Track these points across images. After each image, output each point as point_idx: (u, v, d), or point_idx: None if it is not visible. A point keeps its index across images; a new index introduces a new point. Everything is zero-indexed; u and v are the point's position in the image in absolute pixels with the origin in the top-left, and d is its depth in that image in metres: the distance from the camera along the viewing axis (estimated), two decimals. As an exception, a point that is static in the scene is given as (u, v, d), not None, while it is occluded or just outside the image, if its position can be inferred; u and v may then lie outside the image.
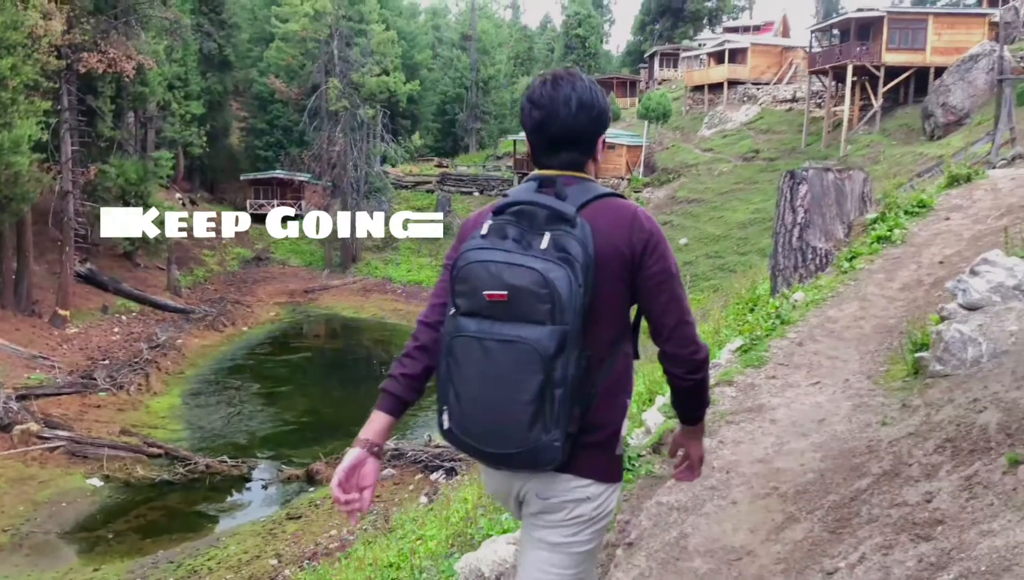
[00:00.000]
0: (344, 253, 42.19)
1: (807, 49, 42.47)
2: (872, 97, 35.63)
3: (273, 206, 45.86)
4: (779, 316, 6.78)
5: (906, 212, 8.84)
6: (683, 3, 64.99)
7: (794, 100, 43.77)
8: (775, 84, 46.53)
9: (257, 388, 24.74)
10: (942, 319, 4.71)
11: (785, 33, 59.93)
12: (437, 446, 21.17)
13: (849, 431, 4.52)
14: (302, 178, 45.30)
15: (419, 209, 45.55)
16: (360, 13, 47.67)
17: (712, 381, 5.96)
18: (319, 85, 41.59)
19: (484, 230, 2.00)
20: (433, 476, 16.25)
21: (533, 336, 1.86)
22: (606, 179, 44.46)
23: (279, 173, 46.40)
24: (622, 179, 44.32)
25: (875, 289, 7.23)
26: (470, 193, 47.87)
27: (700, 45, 56.23)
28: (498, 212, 2.02)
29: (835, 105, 38.24)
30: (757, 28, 59.53)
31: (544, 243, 1.91)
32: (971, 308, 4.56)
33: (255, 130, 50.93)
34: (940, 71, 33.09)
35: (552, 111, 2.03)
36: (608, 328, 2.00)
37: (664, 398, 6.04)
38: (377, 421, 2.13)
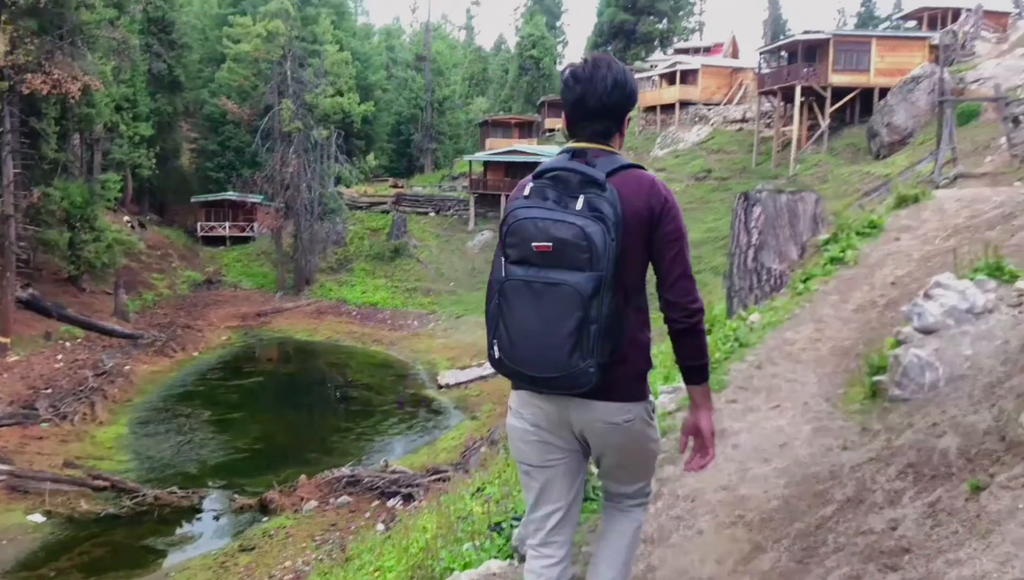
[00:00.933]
0: (297, 275, 41.66)
1: (756, 70, 43.32)
2: (819, 117, 36.43)
3: (225, 228, 45.25)
4: (737, 339, 6.79)
5: (858, 233, 8.97)
6: (635, 25, 65.93)
7: (744, 120, 44.58)
8: (726, 105, 47.35)
9: (208, 415, 24.18)
10: (898, 343, 4.74)
11: (734, 54, 61.11)
12: (394, 471, 20.87)
13: (811, 456, 4.51)
14: (254, 200, 44.71)
15: (374, 230, 45.31)
16: (313, 34, 47.51)
17: (674, 406, 5.93)
18: (272, 106, 41.18)
19: (526, 192, 2.36)
20: (390, 503, 16.01)
21: (574, 280, 2.23)
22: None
23: (231, 195, 45.76)
24: (577, 199, 44.56)
25: (830, 310, 7.29)
26: (426, 213, 47.73)
27: (652, 67, 57.01)
28: (538, 176, 2.38)
29: (784, 125, 39.02)
30: (707, 50, 60.63)
31: (579, 204, 2.27)
32: (926, 332, 4.59)
33: (206, 151, 50.24)
34: (884, 92, 34.00)
35: (591, 86, 2.40)
36: (632, 276, 2.38)
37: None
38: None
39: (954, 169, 19.92)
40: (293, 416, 25.96)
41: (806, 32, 37.78)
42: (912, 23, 48.30)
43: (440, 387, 30.16)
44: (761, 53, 43.85)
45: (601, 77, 2.40)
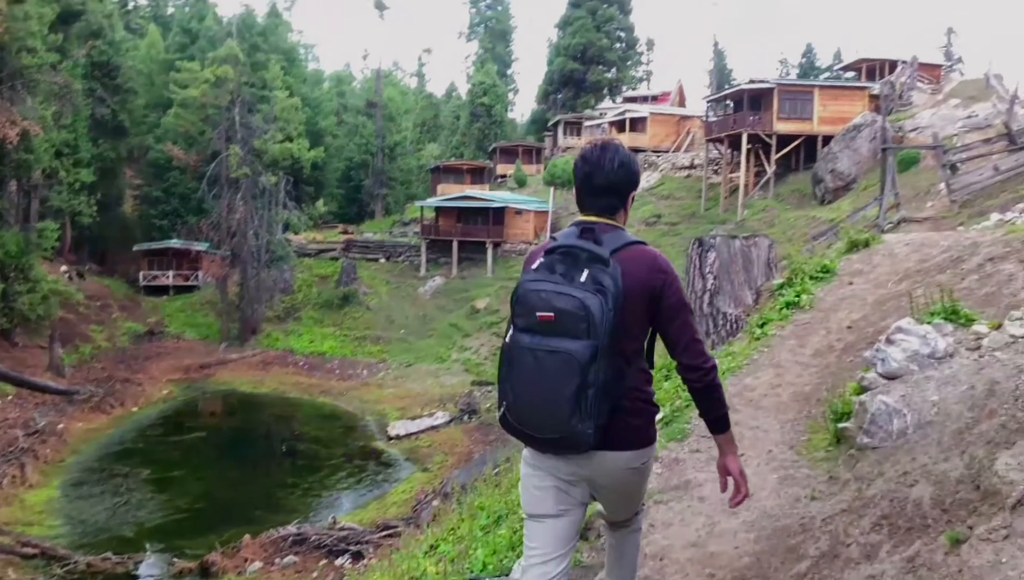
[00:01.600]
0: (243, 325, 40.72)
1: (703, 118, 44.27)
2: (765, 164, 37.26)
3: (168, 277, 44.19)
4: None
5: (811, 277, 8.97)
6: (585, 74, 67.15)
7: (692, 167, 45.40)
8: (674, 152, 48.24)
9: (147, 474, 23.25)
10: (862, 389, 4.64)
11: (681, 102, 62.55)
12: (342, 528, 20.22)
13: (779, 507, 4.34)
14: (199, 248, 43.84)
15: (323, 277, 44.68)
16: (263, 80, 47.28)
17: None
18: (219, 152, 40.66)
19: (535, 266, 2.60)
20: (338, 561, 15.45)
21: (572, 348, 2.43)
22: (514, 244, 44.86)
23: (175, 243, 44.84)
24: (530, 244, 44.71)
25: (788, 355, 7.21)
26: (376, 260, 47.33)
27: (602, 114, 57.99)
28: (549, 252, 2.61)
29: (731, 172, 39.82)
30: (655, 98, 61.94)
31: (583, 277, 2.49)
32: (891, 377, 4.50)
33: (150, 198, 49.30)
34: (827, 139, 34.97)
35: (599, 166, 2.67)
36: (633, 342, 2.63)
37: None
38: None
39: (898, 214, 20.41)
40: (237, 472, 25.12)
41: (751, 81, 38.81)
42: (851, 73, 50.01)
43: (390, 438, 29.57)
44: (708, 101, 44.89)
45: (608, 159, 2.68)
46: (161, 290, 44.24)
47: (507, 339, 2.60)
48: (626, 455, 2.66)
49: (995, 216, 13.65)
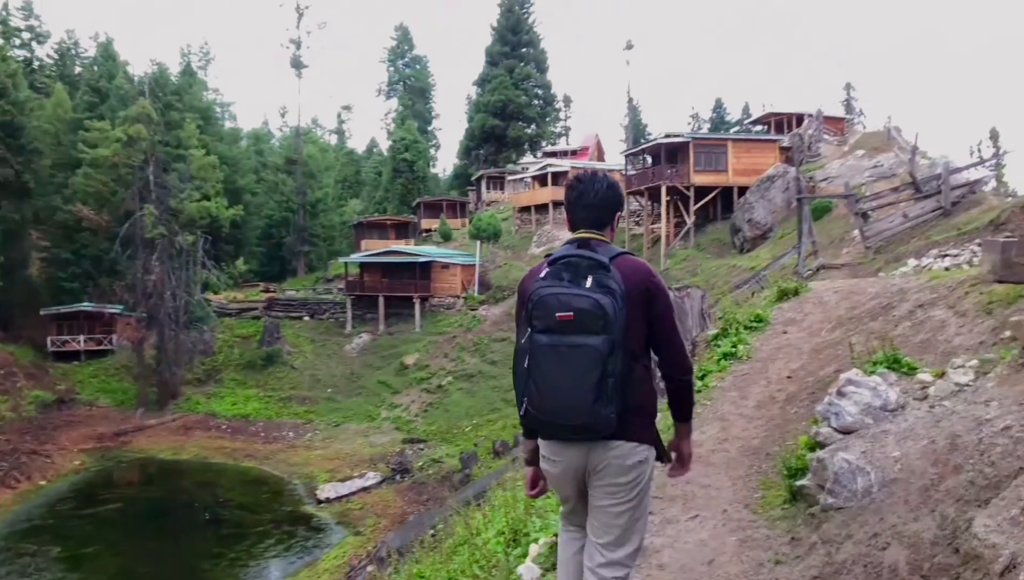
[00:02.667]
0: (161, 389, 39.07)
1: (623, 172, 45.23)
2: (685, 215, 38.16)
3: (79, 342, 42.18)
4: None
5: (746, 327, 9.03)
6: (505, 129, 68.10)
7: (614, 219, 46.15)
8: (596, 204, 48.94)
9: (57, 551, 21.85)
10: (816, 444, 4.56)
11: (600, 156, 63.93)
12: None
13: (743, 573, 4.18)
14: (113, 310, 42.04)
15: (245, 337, 43.40)
16: (178, 138, 46.30)
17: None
18: (133, 212, 39.40)
19: (543, 275, 2.85)
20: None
21: (593, 342, 2.68)
22: (442, 298, 44.57)
23: (86, 306, 42.88)
24: (458, 298, 44.51)
25: (731, 407, 7.16)
26: (300, 318, 46.29)
27: (524, 169, 58.73)
28: (552, 263, 2.87)
29: (652, 223, 40.64)
30: (574, 152, 63.16)
31: (589, 282, 2.76)
32: (846, 431, 4.44)
33: (59, 260, 47.15)
34: (742, 190, 36.07)
35: (590, 186, 3.01)
36: (636, 340, 2.85)
37: (537, 546, 5.52)
38: (528, 445, 3.11)
39: (816, 261, 21.01)
40: (157, 544, 23.82)
41: (667, 136, 39.90)
42: (760, 127, 52.05)
43: (320, 502, 28.67)
44: (626, 156, 45.93)
45: (598, 180, 3.04)
46: (72, 355, 42.09)
47: (524, 342, 2.83)
48: (631, 446, 2.87)
49: (912, 261, 14.15)
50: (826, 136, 41.53)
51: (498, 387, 36.05)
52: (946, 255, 13.68)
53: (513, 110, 67.91)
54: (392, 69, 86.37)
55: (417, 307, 43.67)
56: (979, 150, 54.97)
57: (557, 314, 2.73)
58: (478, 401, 35.97)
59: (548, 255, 2.94)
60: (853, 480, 3.81)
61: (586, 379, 2.69)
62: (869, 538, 3.56)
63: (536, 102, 71.72)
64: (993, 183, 29.18)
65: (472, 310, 43.14)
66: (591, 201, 3.01)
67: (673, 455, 3.19)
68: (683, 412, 3.11)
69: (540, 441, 3.02)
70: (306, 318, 46.36)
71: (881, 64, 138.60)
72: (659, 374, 3.09)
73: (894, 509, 3.62)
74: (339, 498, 28.98)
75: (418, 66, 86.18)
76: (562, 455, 2.92)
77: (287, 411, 38.26)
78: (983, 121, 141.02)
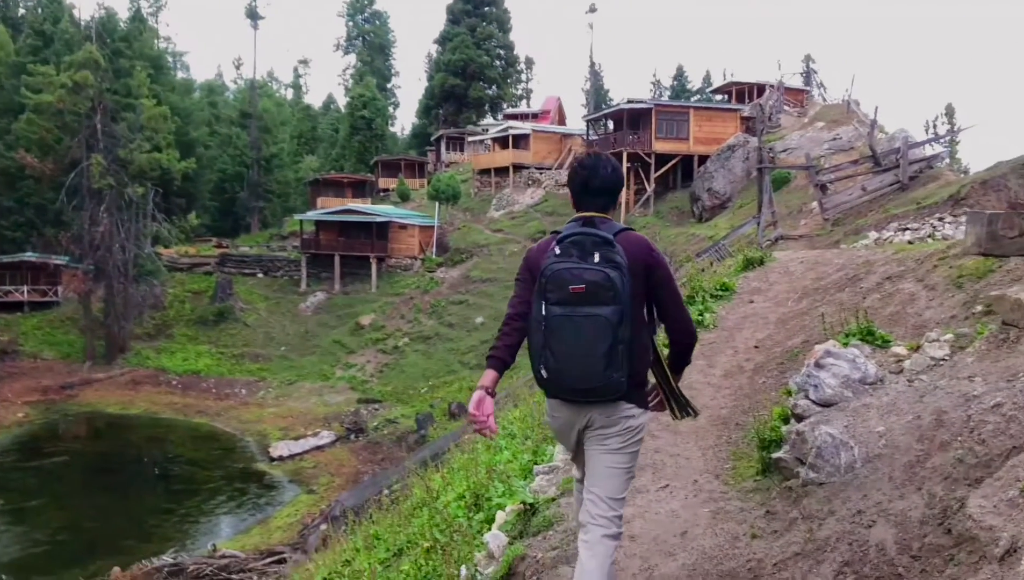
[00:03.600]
0: (110, 343, 38.16)
1: (584, 137, 44.95)
2: (645, 182, 38.14)
3: (23, 293, 40.88)
4: (612, 411, 6.39)
5: (712, 296, 8.95)
6: (466, 90, 67.17)
7: (575, 184, 45.94)
8: (557, 169, 48.76)
9: (0, 504, 21.24)
10: (795, 416, 4.47)
11: (561, 120, 63.47)
12: (223, 556, 19.11)
13: (719, 547, 4.09)
14: (58, 261, 40.79)
15: (196, 293, 42.53)
16: (127, 87, 44.73)
17: (554, 489, 5.41)
18: (80, 161, 38.01)
19: (557, 251, 3.02)
20: (221, 598, 14.43)
21: (605, 312, 2.88)
22: (399, 259, 44.14)
23: (29, 256, 41.50)
24: (415, 259, 44.08)
25: (699, 377, 7.08)
26: (253, 274, 45.46)
27: (485, 130, 58.09)
28: (561, 241, 3.05)
29: (613, 189, 40.51)
30: (536, 116, 62.58)
31: (596, 258, 2.95)
32: (825, 404, 4.35)
33: (1, 209, 45.49)
34: (703, 159, 36.13)
35: (595, 172, 3.16)
36: (639, 309, 3.05)
37: (504, 514, 5.39)
38: (489, 375, 3.11)
39: (775, 231, 21.11)
40: (104, 499, 23.43)
41: (630, 101, 39.75)
42: (721, 96, 52.07)
43: (272, 460, 28.46)
44: (588, 121, 45.63)
45: (603, 165, 3.19)
46: (14, 306, 40.77)
47: (541, 313, 3.00)
48: (628, 407, 3.12)
49: (872, 234, 14.24)
50: (786, 107, 41.71)
51: (455, 349, 35.94)
52: (907, 229, 13.80)
53: (474, 70, 66.95)
54: (351, 24, 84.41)
55: (374, 267, 43.17)
56: (935, 126, 55.89)
57: (570, 287, 2.95)
58: (434, 363, 35.82)
59: (555, 233, 3.16)
60: (836, 455, 3.72)
61: (598, 347, 2.92)
62: (853, 515, 3.47)
63: (498, 63, 70.78)
64: (947, 160, 29.63)
65: (430, 272, 42.79)
66: (597, 186, 3.18)
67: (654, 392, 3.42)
68: (680, 367, 3.40)
69: (547, 399, 3.27)
70: (260, 275, 45.57)
71: (840, 37, 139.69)
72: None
73: (878, 486, 3.54)
74: (292, 456, 28.79)
75: (378, 22, 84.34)
76: (562, 412, 3.20)
77: (240, 368, 37.73)
78: (939, 96, 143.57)
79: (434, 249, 44.42)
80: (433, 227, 45.07)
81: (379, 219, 44.26)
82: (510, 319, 3.18)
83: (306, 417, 32.57)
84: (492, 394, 3.13)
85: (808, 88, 48.09)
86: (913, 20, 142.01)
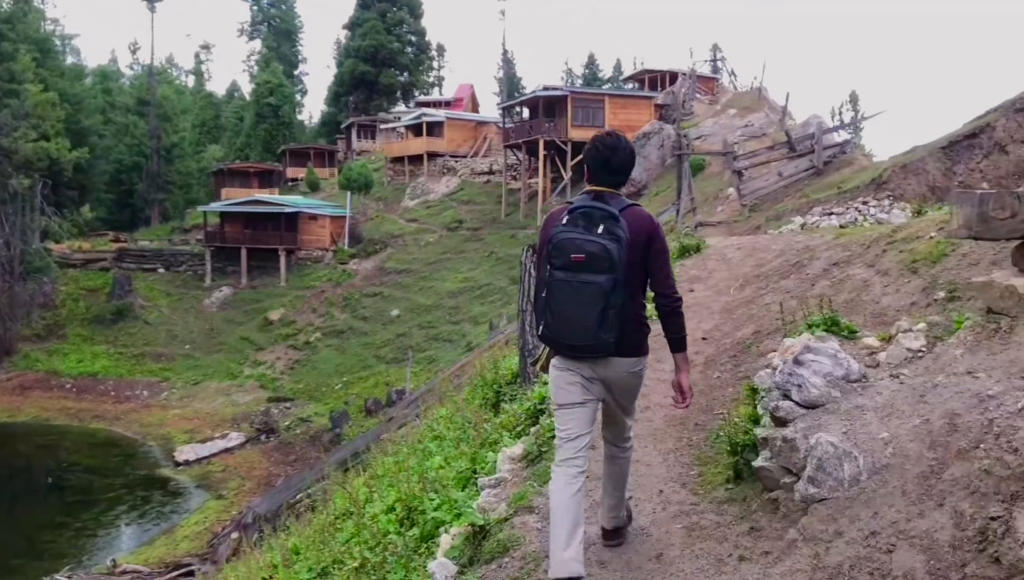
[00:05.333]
0: (-6, 345, 35.58)
1: (499, 125, 44.44)
2: (562, 170, 37.89)
3: None
4: (559, 413, 5.85)
5: (651, 284, 8.51)
6: (376, 76, 65.68)
7: (491, 173, 45.45)
8: (472, 157, 48.10)
9: None
10: (777, 420, 4.01)
11: (474, 108, 62.80)
12: (124, 571, 18.02)
13: (702, 572, 3.61)
14: (-64, 258, 37.81)
15: (92, 290, 40.11)
16: (10, 72, 41.73)
17: (505, 507, 4.83)
18: (-42, 149, 35.24)
19: (564, 221, 3.44)
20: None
21: (600, 280, 3.30)
22: (309, 251, 42.75)
23: (-97, 253, 38.35)
24: (326, 251, 42.74)
25: (648, 373, 6.59)
26: (154, 269, 43.26)
27: (397, 118, 56.89)
28: (571, 212, 3.46)
29: (529, 177, 40.18)
30: (449, 103, 61.71)
31: (600, 229, 3.36)
32: (810, 406, 3.91)
33: None
34: (618, 147, 36.05)
35: (615, 153, 3.57)
36: (636, 279, 3.52)
37: (449, 537, 4.79)
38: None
39: (695, 218, 21.05)
40: (-14, 514, 21.70)
41: (545, 88, 39.40)
42: (633, 84, 52.36)
43: (178, 465, 27.11)
44: (502, 108, 45.11)
45: (622, 148, 3.52)
46: None
47: (546, 276, 3.37)
48: (630, 361, 3.56)
49: (798, 219, 14.19)
50: (698, 95, 42.14)
51: (369, 344, 34.96)
52: (832, 213, 13.81)
53: (385, 56, 65.50)
54: (255, 8, 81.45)
55: (282, 260, 41.65)
56: (840, 112, 57.65)
57: (572, 255, 3.30)
58: (349, 358, 34.75)
59: (569, 203, 3.51)
60: (839, 467, 3.26)
61: (592, 310, 3.28)
62: (866, 537, 3.02)
63: (409, 49, 69.49)
64: (859, 145, 30.34)
65: (342, 264, 41.56)
66: (615, 167, 3.54)
67: (678, 395, 3.89)
68: (675, 340, 3.72)
69: (555, 356, 3.60)
70: (161, 270, 43.40)
71: (746, 26, 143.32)
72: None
73: (891, 502, 3.09)
74: (199, 460, 27.48)
75: (284, 6, 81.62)
76: (573, 364, 3.54)
77: (140, 369, 35.81)
78: (843, 84, 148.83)
79: (346, 240, 43.16)
80: (345, 217, 43.79)
81: (287, 210, 42.72)
82: (540, 292, 3.57)
83: (213, 418, 31.13)
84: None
85: (717, 76, 48.80)
86: (816, 11, 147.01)
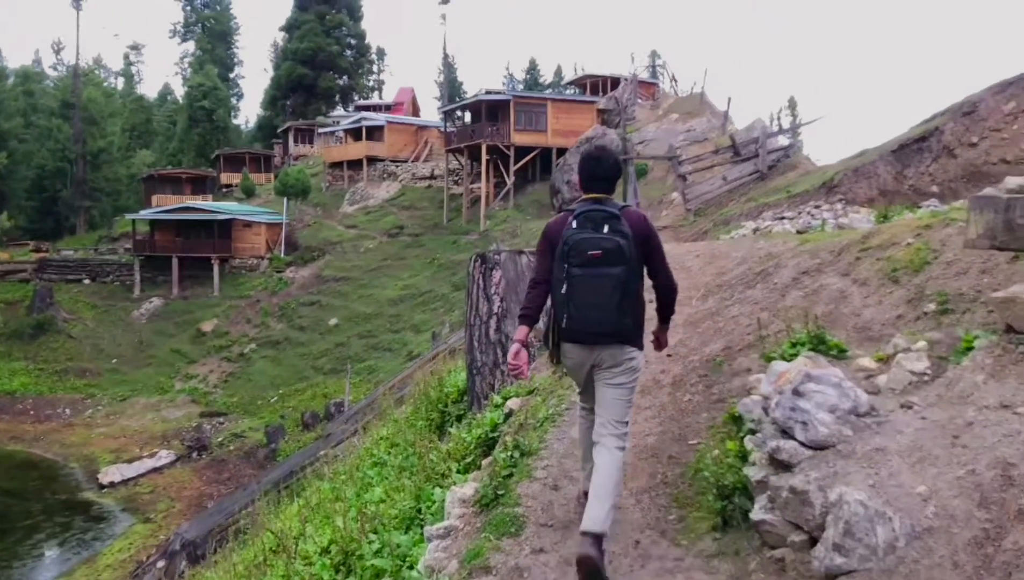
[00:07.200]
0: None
1: (441, 129, 43.69)
2: (505, 175, 37.31)
3: None
4: (517, 446, 5.18)
5: (608, 295, 7.89)
6: (315, 80, 64.27)
7: (433, 177, 44.61)
8: (413, 162, 47.21)
9: None
10: (780, 463, 3.40)
11: (415, 112, 61.87)
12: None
13: (699, 657, 2.97)
14: None
15: (10, 303, 38.00)
16: (-79, 70, 39.42)
17: (458, 568, 4.13)
18: None
19: (575, 225, 3.77)
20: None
21: (616, 271, 3.66)
22: (244, 259, 41.37)
23: None
24: (262, 258, 41.35)
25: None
26: (79, 280, 41.29)
27: (336, 122, 55.64)
28: (577, 216, 3.79)
29: (472, 182, 39.49)
30: (389, 107, 60.67)
31: (606, 229, 3.71)
32: (819, 447, 3.31)
33: None
34: (561, 151, 35.63)
35: (600, 162, 3.96)
36: (639, 269, 3.83)
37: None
38: (521, 330, 3.95)
39: (643, 223, 20.60)
40: None
41: (488, 92, 38.82)
42: (575, 89, 52.13)
43: (102, 487, 25.74)
44: (444, 112, 44.37)
45: (606, 157, 4.02)
46: None
47: (564, 273, 3.73)
48: (630, 349, 3.84)
49: (749, 224, 13.80)
50: (640, 100, 42.05)
51: (307, 354, 33.78)
52: (783, 217, 13.47)
53: (324, 59, 64.13)
54: (188, 8, 78.93)
55: (216, 269, 40.14)
56: (779, 118, 58.38)
57: (589, 252, 3.65)
58: (285, 370, 33.50)
59: (571, 210, 3.86)
60: (871, 530, 2.66)
61: (612, 299, 3.65)
62: (915, 625, 2.41)
63: (348, 52, 68.25)
64: (802, 149, 30.44)
65: (278, 272, 40.22)
66: (604, 174, 3.92)
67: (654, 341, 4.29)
68: (667, 316, 4.19)
69: (563, 343, 3.89)
70: (86, 281, 41.47)
71: (684, 32, 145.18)
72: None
73: (940, 576, 2.50)
74: (125, 481, 26.09)
75: (218, 7, 79.31)
76: (577, 354, 3.87)
77: (63, 385, 33.99)
78: (781, 90, 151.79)
79: (282, 248, 41.82)
80: (281, 224, 42.45)
81: (221, 217, 41.21)
82: (536, 284, 3.96)
83: (142, 436, 29.63)
84: (527, 346, 3.93)
85: (657, 81, 48.86)
86: (752, 19, 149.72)
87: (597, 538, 3.58)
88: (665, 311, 4.14)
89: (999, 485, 2.63)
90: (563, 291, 3.70)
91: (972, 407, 3.26)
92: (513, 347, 3.90)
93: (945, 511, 2.66)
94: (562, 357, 3.97)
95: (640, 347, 3.88)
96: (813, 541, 2.95)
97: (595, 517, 3.63)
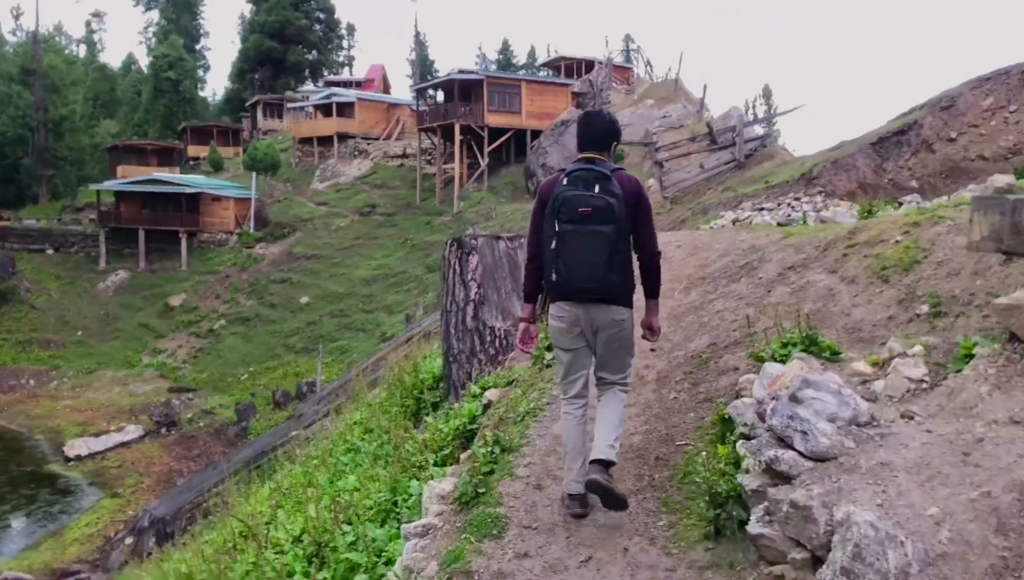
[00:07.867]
0: None
1: (413, 107, 43.17)
2: (479, 156, 36.99)
3: None
4: (498, 442, 5.03)
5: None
6: (284, 54, 63.13)
7: (405, 156, 44.12)
8: (384, 140, 46.62)
9: None
10: (778, 475, 3.29)
11: (385, 89, 61.07)
12: (6, 578, 16.87)
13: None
14: None
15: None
16: None
17: (438, 570, 3.98)
18: None
19: (565, 182, 3.84)
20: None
21: (606, 230, 3.72)
22: (212, 234, 40.76)
23: None
24: (231, 234, 40.71)
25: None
26: (42, 250, 40.47)
27: (305, 97, 54.76)
28: (568, 175, 3.87)
29: (445, 162, 39.10)
30: (359, 84, 59.78)
31: (597, 189, 3.78)
32: (819, 459, 3.20)
33: None
34: (535, 133, 35.40)
35: (595, 120, 4.07)
36: (627, 231, 3.87)
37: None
38: (527, 307, 4.20)
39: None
40: None
41: (461, 72, 38.36)
42: (548, 71, 51.73)
43: (68, 460, 25.48)
44: (417, 90, 43.81)
45: (602, 116, 4.12)
46: None
47: (554, 229, 3.78)
48: (619, 309, 3.95)
49: (728, 214, 13.74)
50: (615, 84, 41.78)
51: (278, 332, 33.38)
52: (763, 208, 13.41)
53: (292, 33, 62.95)
54: (152, -24, 77.05)
55: (184, 243, 39.48)
56: (754, 106, 58.48)
57: (579, 209, 3.74)
58: (255, 347, 33.10)
59: (563, 170, 3.94)
60: (882, 555, 2.54)
61: (601, 255, 3.73)
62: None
63: (317, 27, 67.07)
64: (779, 139, 30.53)
65: (248, 248, 39.63)
66: (596, 130, 3.98)
67: (644, 329, 4.29)
68: (653, 287, 4.14)
69: (553, 303, 3.96)
70: (50, 251, 40.65)
71: (659, 16, 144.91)
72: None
73: (955, 606, 2.40)
74: (92, 455, 25.81)
75: (184, -25, 77.40)
76: (568, 312, 3.92)
77: (26, 356, 33.37)
78: (757, 78, 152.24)
79: (252, 223, 41.20)
80: (250, 199, 41.79)
81: (189, 190, 40.48)
82: (530, 260, 4.11)
83: (109, 410, 29.18)
84: (533, 321, 4.19)
85: (631, 65, 48.61)
86: (728, 5, 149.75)
87: (605, 465, 3.91)
88: (653, 280, 4.10)
89: (1017, 510, 2.53)
90: (553, 247, 3.77)
91: (980, 421, 3.17)
92: (520, 327, 4.16)
93: (960, 536, 2.55)
94: (553, 318, 4.00)
95: (629, 306, 3.96)
96: (815, 559, 2.85)
97: (602, 446, 3.95)
